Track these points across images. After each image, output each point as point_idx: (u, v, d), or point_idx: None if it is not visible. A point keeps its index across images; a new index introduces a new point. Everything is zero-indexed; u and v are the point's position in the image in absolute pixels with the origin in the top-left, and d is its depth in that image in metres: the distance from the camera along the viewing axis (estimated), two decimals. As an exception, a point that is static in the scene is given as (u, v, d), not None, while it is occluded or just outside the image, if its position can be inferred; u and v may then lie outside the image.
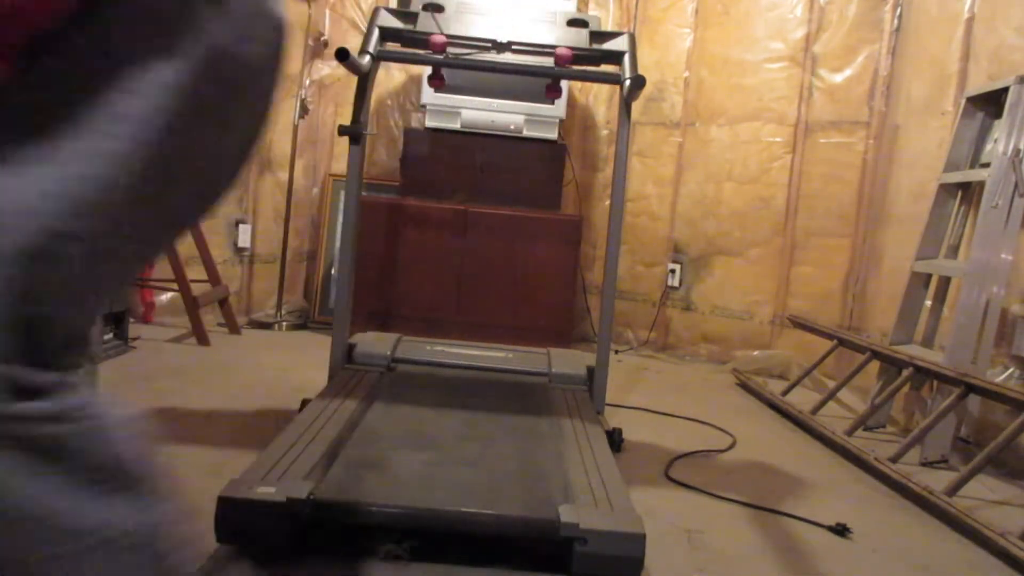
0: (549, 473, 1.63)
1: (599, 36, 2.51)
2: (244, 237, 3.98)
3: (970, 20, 2.86)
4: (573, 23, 2.54)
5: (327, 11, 4.18)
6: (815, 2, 3.62)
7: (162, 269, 3.51)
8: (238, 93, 0.76)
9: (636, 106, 2.80)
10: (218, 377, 2.75)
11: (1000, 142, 2.51)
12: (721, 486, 2.00)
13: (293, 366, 3.05)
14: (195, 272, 3.46)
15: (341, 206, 3.54)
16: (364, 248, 3.07)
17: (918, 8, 3.27)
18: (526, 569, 1.40)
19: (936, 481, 2.03)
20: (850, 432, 2.48)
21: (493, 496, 1.49)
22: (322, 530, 1.41)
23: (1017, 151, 2.45)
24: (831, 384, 3.01)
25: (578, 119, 4.32)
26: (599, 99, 4.34)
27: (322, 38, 4.10)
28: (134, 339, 3.06)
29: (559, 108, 3.64)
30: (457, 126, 3.60)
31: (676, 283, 4.03)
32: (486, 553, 1.42)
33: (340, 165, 4.07)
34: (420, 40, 2.44)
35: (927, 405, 2.59)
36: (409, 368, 2.47)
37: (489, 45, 2.43)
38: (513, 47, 2.45)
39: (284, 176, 4.00)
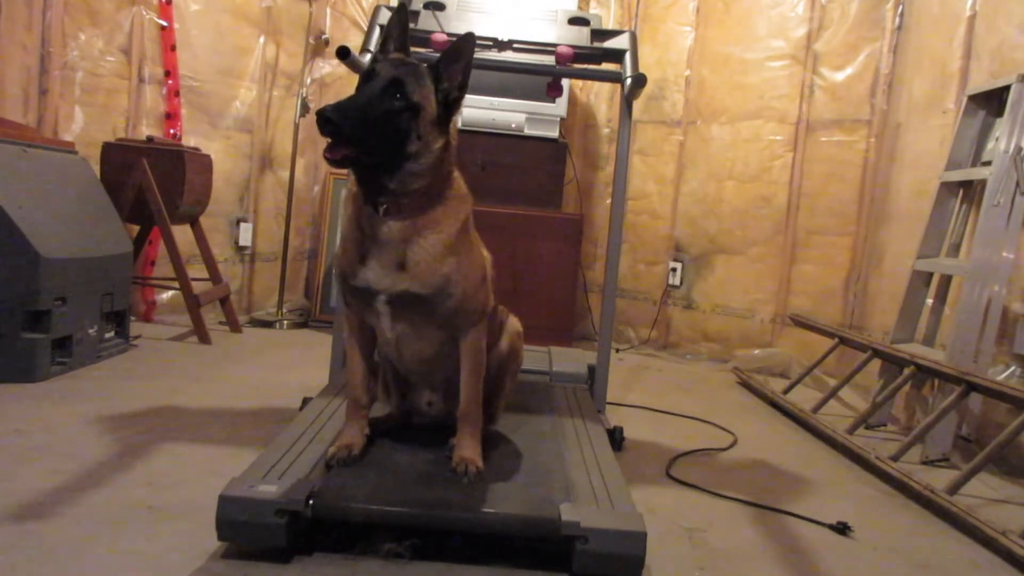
0: (550, 472, 1.63)
1: (600, 34, 2.51)
2: (245, 235, 3.98)
3: (972, 18, 2.85)
4: (574, 21, 2.53)
5: (328, 9, 4.18)
6: (816, 0, 3.61)
7: (163, 267, 3.52)
8: None
9: (637, 104, 2.79)
10: (219, 376, 2.75)
11: (1002, 140, 2.50)
12: (722, 484, 2.00)
13: (294, 365, 3.05)
14: (196, 270, 3.46)
15: (342, 205, 3.56)
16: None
17: (920, 6, 3.26)
18: (527, 568, 1.40)
19: (937, 479, 2.03)
20: (851, 430, 2.48)
21: (494, 495, 1.49)
22: (322, 529, 1.41)
23: (1019, 149, 2.44)
24: (832, 383, 3.00)
25: (579, 118, 4.31)
26: (600, 97, 4.33)
27: (323, 36, 4.10)
28: (135, 337, 3.07)
29: (560, 107, 3.64)
30: (458, 124, 3.59)
31: (677, 281, 4.03)
32: (487, 551, 1.42)
33: (341, 163, 4.06)
34: (421, 38, 2.44)
35: (928, 403, 2.59)
36: (410, 367, 2.46)
37: (490, 43, 2.43)
38: (514, 45, 2.45)
39: (285, 175, 4.00)
